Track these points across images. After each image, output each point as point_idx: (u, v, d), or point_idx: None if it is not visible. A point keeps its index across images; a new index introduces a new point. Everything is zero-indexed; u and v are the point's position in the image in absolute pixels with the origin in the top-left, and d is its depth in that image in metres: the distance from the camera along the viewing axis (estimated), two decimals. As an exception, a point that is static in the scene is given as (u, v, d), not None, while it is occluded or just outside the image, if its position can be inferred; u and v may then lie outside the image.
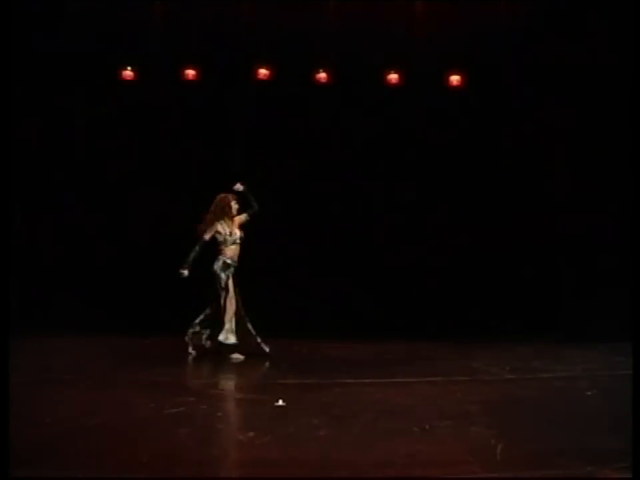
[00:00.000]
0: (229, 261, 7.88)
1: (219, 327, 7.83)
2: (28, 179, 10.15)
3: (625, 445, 4.01)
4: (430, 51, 10.04)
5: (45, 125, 10.34)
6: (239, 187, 8.00)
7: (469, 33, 10.01)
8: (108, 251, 10.50)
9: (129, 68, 10.27)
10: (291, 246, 10.26)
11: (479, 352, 8.41)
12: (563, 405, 5.63)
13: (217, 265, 7.86)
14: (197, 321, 8.02)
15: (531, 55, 10.08)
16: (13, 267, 8.89)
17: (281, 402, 5.42)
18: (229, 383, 7.12)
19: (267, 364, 7.75)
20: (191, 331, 7.98)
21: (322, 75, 10.36)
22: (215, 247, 7.96)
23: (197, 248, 7.83)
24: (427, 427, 4.76)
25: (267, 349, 7.91)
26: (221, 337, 7.78)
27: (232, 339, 7.81)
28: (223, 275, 7.85)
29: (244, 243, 8.02)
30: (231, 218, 7.97)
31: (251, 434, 4.59)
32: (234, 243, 7.93)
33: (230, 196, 8.01)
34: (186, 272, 7.78)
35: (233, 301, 7.86)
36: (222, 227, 7.90)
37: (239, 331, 7.85)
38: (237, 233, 7.95)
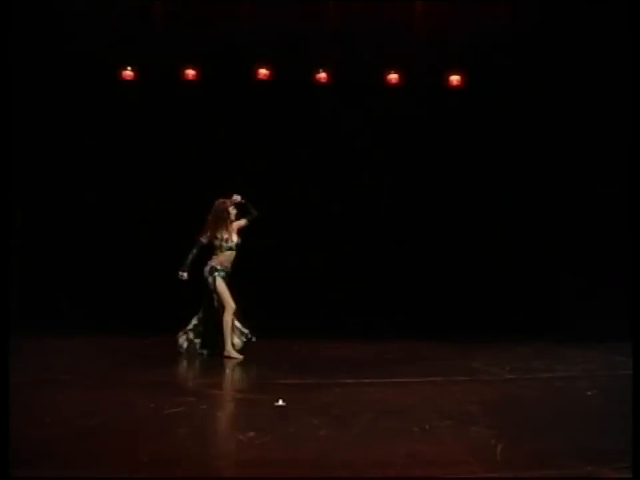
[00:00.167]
0: (218, 267, 7.87)
1: (214, 335, 7.85)
2: (28, 179, 10.16)
3: (625, 445, 4.01)
4: (430, 51, 10.05)
5: (45, 124, 10.35)
6: (236, 198, 7.96)
7: (469, 33, 10.02)
8: (108, 251, 10.51)
9: (128, 68, 10.28)
10: (290, 246, 10.26)
11: (479, 352, 8.41)
12: (563, 405, 5.63)
13: (205, 269, 7.86)
14: (190, 327, 7.99)
15: (531, 54, 10.08)
16: (13, 267, 8.92)
17: (280, 402, 5.42)
18: (229, 383, 7.11)
19: (267, 364, 7.75)
20: (182, 336, 7.96)
21: (322, 75, 10.37)
22: (210, 251, 7.95)
23: (194, 250, 7.84)
24: (427, 426, 4.76)
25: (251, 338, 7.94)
26: (226, 353, 7.83)
27: (234, 353, 7.84)
28: (210, 279, 7.84)
29: (240, 249, 7.99)
30: (230, 223, 7.95)
31: (251, 434, 4.59)
32: (229, 249, 7.91)
33: (228, 201, 7.99)
34: (185, 274, 7.78)
35: (228, 304, 7.84)
36: (219, 232, 7.89)
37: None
38: (234, 239, 7.93)
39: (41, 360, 7.54)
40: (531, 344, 8.98)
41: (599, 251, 9.77)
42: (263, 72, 10.32)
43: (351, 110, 10.50)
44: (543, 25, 9.96)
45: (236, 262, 7.95)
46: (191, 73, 10.35)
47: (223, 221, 7.90)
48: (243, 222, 8.04)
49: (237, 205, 8.02)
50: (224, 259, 7.90)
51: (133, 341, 9.11)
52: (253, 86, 10.43)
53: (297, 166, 10.54)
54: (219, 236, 7.87)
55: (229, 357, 7.77)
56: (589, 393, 5.99)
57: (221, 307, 7.83)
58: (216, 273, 7.83)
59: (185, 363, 7.70)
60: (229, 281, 7.91)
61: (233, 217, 7.99)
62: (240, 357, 7.83)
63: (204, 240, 7.86)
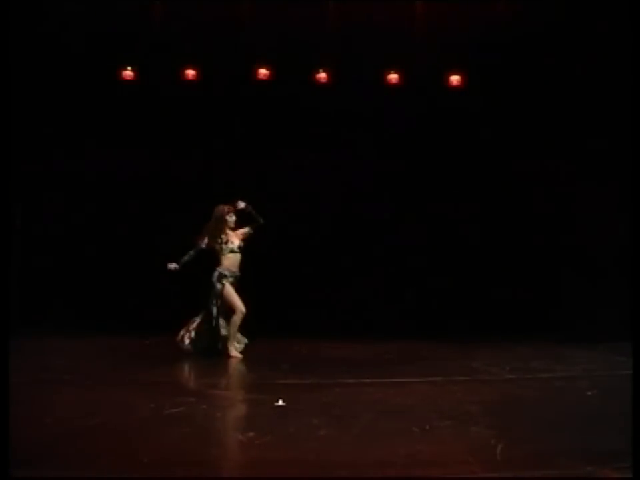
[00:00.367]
0: (225, 272, 7.87)
1: (212, 338, 7.86)
2: (28, 179, 10.15)
3: (625, 445, 4.01)
4: (430, 51, 10.05)
5: (45, 124, 10.34)
6: (240, 205, 7.93)
7: (469, 33, 10.01)
8: (108, 251, 10.51)
9: (128, 68, 10.28)
10: (290, 246, 10.26)
11: (478, 352, 8.41)
12: (563, 405, 5.63)
13: (214, 276, 7.87)
14: (193, 325, 7.99)
15: (531, 54, 10.08)
16: (13, 266, 8.92)
17: (280, 402, 5.42)
18: (228, 383, 7.11)
19: (267, 364, 7.75)
20: (185, 333, 7.96)
21: (322, 75, 10.37)
22: (215, 256, 7.95)
23: (192, 252, 7.88)
24: (427, 427, 4.76)
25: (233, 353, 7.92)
26: (232, 353, 7.84)
27: (235, 352, 7.86)
28: (218, 285, 7.84)
29: (244, 251, 7.99)
30: (227, 229, 7.94)
31: (251, 434, 4.59)
32: (231, 251, 7.91)
33: (227, 208, 7.96)
34: (174, 266, 7.82)
35: (238, 308, 7.85)
36: (217, 237, 7.89)
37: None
38: (235, 242, 7.93)
39: (40, 360, 7.54)
40: (531, 344, 8.98)
41: (598, 251, 9.77)
42: (263, 72, 10.31)
43: (351, 110, 10.50)
44: (543, 24, 9.96)
45: (243, 265, 7.94)
46: (190, 73, 10.35)
47: (221, 228, 7.90)
48: (246, 230, 8.03)
49: (240, 212, 8.00)
50: (229, 263, 7.90)
51: (132, 341, 9.11)
52: (252, 86, 10.43)
53: (296, 166, 10.53)
54: (218, 240, 7.87)
55: (230, 356, 7.78)
56: (589, 393, 5.99)
57: (230, 311, 7.84)
58: (224, 280, 7.85)
59: (184, 363, 7.70)
60: (238, 286, 7.92)
61: (232, 223, 7.97)
62: (240, 355, 7.84)
63: (202, 244, 7.87)
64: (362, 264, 10.55)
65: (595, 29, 9.64)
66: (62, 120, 10.37)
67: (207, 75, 10.40)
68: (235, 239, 7.94)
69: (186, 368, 7.65)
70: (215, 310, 7.84)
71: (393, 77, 10.39)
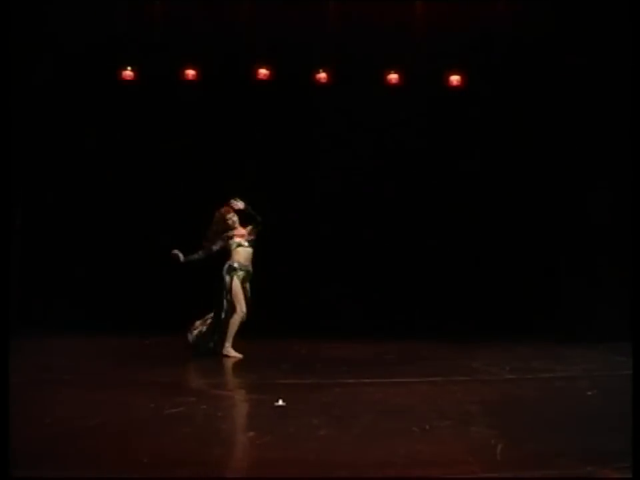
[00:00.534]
0: (235, 265, 7.90)
1: (218, 333, 7.87)
2: (28, 179, 10.15)
3: (625, 445, 4.01)
4: (430, 51, 10.05)
5: (45, 124, 10.34)
6: (237, 204, 7.94)
7: (469, 33, 10.02)
8: (108, 251, 10.51)
9: (128, 68, 10.28)
10: (290, 246, 10.26)
11: (478, 352, 8.41)
12: (563, 405, 5.63)
13: (224, 269, 7.89)
14: (204, 323, 7.99)
15: (531, 54, 10.08)
16: (14, 266, 8.92)
17: (280, 402, 5.41)
18: (229, 383, 7.11)
19: (267, 364, 7.76)
20: (195, 333, 7.96)
21: (322, 75, 10.37)
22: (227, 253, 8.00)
23: (201, 253, 7.97)
24: (427, 427, 4.76)
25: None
26: (224, 351, 7.86)
27: (233, 352, 7.87)
28: (227, 278, 7.86)
29: (256, 246, 8.02)
30: (234, 227, 7.96)
31: (251, 434, 4.59)
32: (239, 245, 7.94)
33: (224, 209, 7.98)
34: (180, 255, 7.86)
35: (239, 306, 7.86)
36: (222, 237, 7.94)
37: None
38: (236, 239, 7.95)
39: (40, 360, 7.54)
40: (531, 344, 8.98)
41: (598, 251, 9.77)
42: (263, 72, 10.31)
43: (351, 110, 10.50)
44: (542, 24, 9.96)
45: (254, 259, 7.98)
46: (190, 73, 10.35)
47: (222, 228, 7.93)
48: (249, 229, 8.03)
49: (239, 211, 8.01)
50: (239, 257, 7.93)
51: (132, 341, 9.11)
52: (253, 86, 10.43)
53: (296, 166, 10.53)
54: (224, 238, 7.89)
55: (227, 356, 7.78)
56: (589, 393, 5.99)
57: (231, 308, 7.84)
58: (233, 272, 7.87)
59: (184, 363, 7.70)
60: (250, 281, 7.97)
61: (234, 222, 7.99)
62: (240, 355, 7.84)
63: (213, 248, 7.95)
64: (362, 264, 10.55)
65: (595, 29, 9.64)
66: (62, 120, 10.37)
67: (207, 75, 10.41)
68: (236, 237, 7.95)
69: (186, 368, 7.64)
70: (225, 303, 7.85)
71: (393, 77, 10.39)
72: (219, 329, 7.86)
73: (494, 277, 10.42)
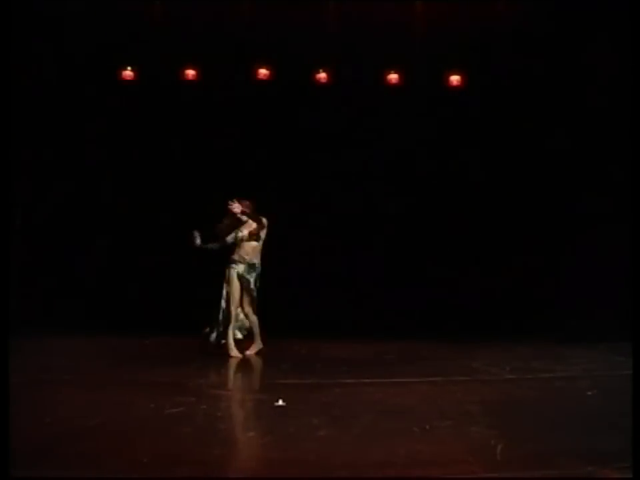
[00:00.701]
0: (235, 257, 7.99)
1: (223, 325, 7.94)
2: (28, 179, 10.15)
3: (625, 445, 4.01)
4: (430, 51, 10.05)
5: (45, 124, 10.34)
6: (233, 207, 7.93)
7: (469, 33, 10.02)
8: (108, 251, 10.51)
9: (128, 68, 10.28)
10: (290, 246, 10.26)
11: (479, 352, 8.40)
12: (563, 405, 5.63)
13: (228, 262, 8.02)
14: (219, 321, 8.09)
15: (531, 54, 10.08)
16: (13, 266, 8.91)
17: (280, 402, 5.42)
18: (228, 383, 7.12)
19: (267, 364, 7.76)
20: (212, 332, 8.04)
21: (322, 75, 10.37)
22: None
23: (216, 244, 8.06)
24: (427, 427, 4.76)
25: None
26: (212, 338, 7.93)
27: (235, 351, 7.91)
28: (226, 270, 7.97)
29: (264, 241, 8.08)
30: (243, 223, 8.00)
31: (251, 434, 4.59)
32: (241, 240, 8.01)
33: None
34: (198, 239, 7.98)
35: (232, 298, 7.90)
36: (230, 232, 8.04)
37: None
38: (244, 231, 8.01)
39: (40, 360, 7.54)
40: (531, 344, 8.98)
41: (599, 251, 9.76)
42: (263, 72, 10.32)
43: (351, 110, 10.50)
44: (542, 24, 9.96)
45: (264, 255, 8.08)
46: (190, 73, 10.36)
47: (234, 223, 7.99)
48: (255, 227, 8.08)
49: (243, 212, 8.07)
50: (242, 250, 8.00)
51: (132, 341, 9.11)
52: (253, 86, 10.43)
53: (296, 166, 10.53)
54: (235, 232, 7.99)
55: (228, 352, 7.80)
56: (589, 393, 5.99)
57: (230, 299, 7.92)
58: (232, 264, 7.95)
59: (184, 363, 7.69)
60: (258, 277, 8.05)
61: (235, 221, 8.02)
62: (239, 355, 7.85)
63: (228, 241, 8.02)
64: (362, 264, 10.55)
65: (594, 29, 9.64)
66: (62, 120, 10.37)
67: (207, 75, 10.41)
68: (244, 230, 7.99)
69: (186, 368, 7.63)
70: (224, 294, 7.96)
71: (393, 77, 10.39)
72: (223, 320, 7.93)
73: (494, 277, 10.41)
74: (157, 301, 10.11)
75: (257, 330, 8.09)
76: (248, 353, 8.04)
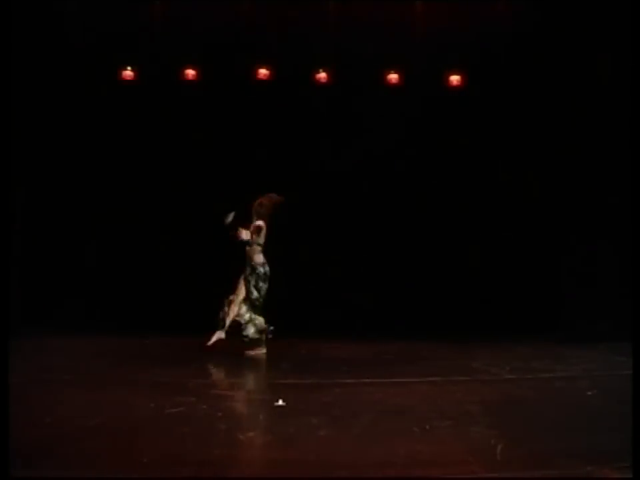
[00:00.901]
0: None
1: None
2: (28, 179, 10.15)
3: (625, 445, 4.01)
4: (430, 51, 10.05)
5: (45, 124, 10.35)
6: (242, 235, 8.09)
7: (469, 33, 10.02)
8: (108, 251, 10.51)
9: (128, 68, 10.28)
10: (290, 246, 10.26)
11: (478, 352, 8.40)
12: (563, 405, 5.63)
13: None
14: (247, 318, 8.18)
15: (531, 54, 10.08)
16: (14, 266, 8.92)
17: (280, 402, 5.42)
18: (229, 383, 7.12)
19: (267, 364, 7.76)
20: (249, 327, 8.13)
21: (322, 75, 10.37)
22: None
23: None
24: (427, 426, 4.76)
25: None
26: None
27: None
28: None
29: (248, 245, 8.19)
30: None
31: (251, 434, 4.59)
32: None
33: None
34: (230, 217, 8.09)
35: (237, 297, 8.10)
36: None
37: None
38: (243, 236, 8.13)
39: (40, 360, 7.54)
40: (531, 344, 8.98)
41: (599, 251, 9.77)
42: (263, 72, 10.32)
43: (351, 110, 10.50)
44: (543, 24, 9.96)
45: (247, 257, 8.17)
46: (190, 72, 10.36)
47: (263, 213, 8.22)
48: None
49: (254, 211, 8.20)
50: (248, 253, 8.18)
51: (132, 341, 9.11)
52: (253, 86, 10.43)
53: (296, 166, 10.52)
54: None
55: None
56: (589, 393, 5.99)
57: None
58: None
59: (184, 363, 7.69)
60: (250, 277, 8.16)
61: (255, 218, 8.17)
62: (252, 353, 7.97)
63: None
64: (362, 264, 10.55)
65: (594, 29, 9.64)
66: (62, 119, 10.37)
67: (207, 75, 10.41)
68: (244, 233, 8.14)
69: (186, 368, 7.63)
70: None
71: (393, 76, 10.40)
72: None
73: (494, 277, 10.41)
74: (157, 301, 10.11)
75: (227, 322, 8.10)
76: (209, 343, 8.10)
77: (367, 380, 6.63)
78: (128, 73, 10.31)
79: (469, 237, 10.54)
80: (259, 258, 8.11)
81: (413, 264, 10.54)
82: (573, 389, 6.30)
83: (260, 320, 8.10)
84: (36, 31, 9.75)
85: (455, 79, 10.36)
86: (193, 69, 10.36)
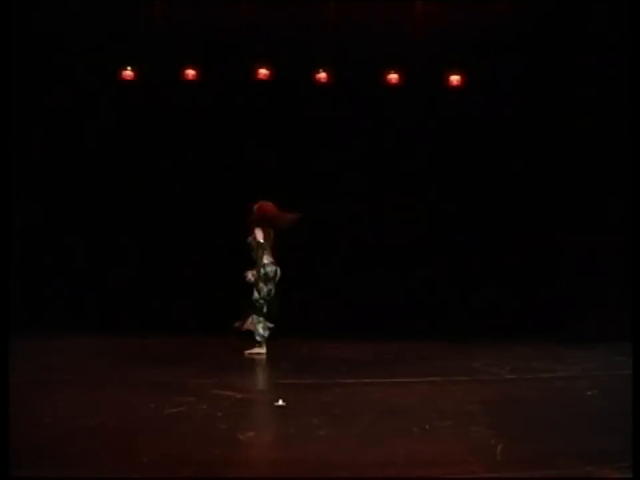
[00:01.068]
0: None
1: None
2: (28, 179, 10.15)
3: (625, 445, 4.01)
4: (430, 51, 10.05)
5: (45, 124, 10.35)
6: (248, 276, 8.25)
7: (469, 33, 10.02)
8: (108, 251, 10.51)
9: (128, 68, 10.28)
10: (290, 246, 10.25)
11: (478, 352, 8.41)
12: (563, 405, 5.63)
13: None
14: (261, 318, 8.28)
15: (531, 54, 10.08)
16: (14, 266, 8.92)
17: (280, 402, 5.42)
18: (229, 383, 7.11)
19: (267, 364, 7.76)
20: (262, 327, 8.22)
21: (322, 75, 10.37)
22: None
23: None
24: (427, 426, 4.76)
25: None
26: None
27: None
28: None
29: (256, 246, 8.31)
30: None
31: (251, 434, 4.59)
32: None
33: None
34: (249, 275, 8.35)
35: None
36: None
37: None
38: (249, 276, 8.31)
39: (41, 360, 7.54)
40: (531, 344, 8.98)
41: (599, 251, 9.76)
42: (263, 72, 10.31)
43: (351, 110, 10.50)
44: (543, 24, 9.96)
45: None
46: (190, 72, 10.35)
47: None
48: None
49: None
50: None
51: (133, 341, 9.11)
52: (253, 86, 10.43)
53: (296, 166, 10.52)
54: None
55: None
56: (589, 393, 5.99)
57: None
58: None
59: (184, 363, 7.70)
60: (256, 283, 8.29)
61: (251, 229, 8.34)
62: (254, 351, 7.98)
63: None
64: (362, 264, 10.54)
65: (594, 29, 9.64)
66: (62, 119, 10.37)
67: (207, 75, 10.40)
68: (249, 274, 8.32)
69: (186, 368, 7.63)
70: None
71: (393, 76, 10.39)
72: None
73: (494, 277, 10.41)
74: (157, 301, 10.11)
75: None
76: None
77: (367, 380, 6.64)
78: (128, 73, 10.30)
79: (469, 237, 10.53)
80: (264, 259, 8.15)
81: (412, 264, 10.53)
82: (573, 389, 6.30)
83: (262, 320, 8.12)
84: (36, 31, 9.75)
85: (454, 78, 10.36)
86: (193, 69, 10.35)
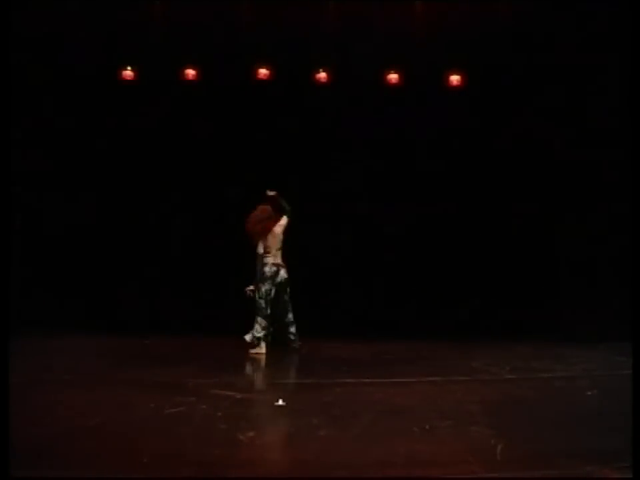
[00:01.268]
0: None
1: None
2: (28, 179, 10.15)
3: (625, 445, 4.01)
4: (430, 51, 10.06)
5: (45, 125, 10.35)
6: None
7: (469, 33, 10.02)
8: (108, 251, 10.51)
9: (128, 68, 10.28)
10: (290, 246, 10.25)
11: (478, 352, 8.41)
12: (563, 405, 5.63)
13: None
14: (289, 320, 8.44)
15: (531, 54, 10.08)
16: (13, 266, 8.91)
17: (280, 402, 5.42)
18: (229, 383, 7.11)
19: (267, 364, 7.76)
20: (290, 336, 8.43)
21: (322, 75, 10.38)
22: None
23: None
24: (427, 426, 4.76)
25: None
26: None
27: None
28: None
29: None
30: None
31: (251, 434, 4.58)
32: None
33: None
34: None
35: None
36: None
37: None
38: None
39: (41, 360, 7.54)
40: (531, 344, 8.98)
41: (598, 251, 9.76)
42: (263, 72, 10.32)
43: (351, 110, 10.50)
44: (542, 24, 9.96)
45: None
46: (191, 72, 10.36)
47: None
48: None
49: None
50: None
51: (132, 341, 9.11)
52: (253, 86, 10.43)
53: (296, 166, 10.52)
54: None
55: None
56: (589, 393, 5.99)
57: None
58: None
59: (184, 363, 7.69)
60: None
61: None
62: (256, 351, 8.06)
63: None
64: (361, 264, 10.55)
65: (594, 29, 9.64)
66: (62, 120, 10.37)
67: (207, 75, 10.41)
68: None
69: (186, 368, 7.63)
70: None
71: (393, 76, 10.40)
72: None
73: (494, 277, 10.41)
74: (157, 301, 10.12)
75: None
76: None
77: (367, 380, 6.63)
78: (128, 73, 10.31)
79: (469, 237, 10.54)
80: (265, 259, 8.20)
81: (412, 264, 10.54)
82: (572, 389, 6.30)
83: (261, 320, 8.13)
84: (36, 31, 9.75)
85: (455, 78, 10.36)
86: (193, 69, 10.36)
